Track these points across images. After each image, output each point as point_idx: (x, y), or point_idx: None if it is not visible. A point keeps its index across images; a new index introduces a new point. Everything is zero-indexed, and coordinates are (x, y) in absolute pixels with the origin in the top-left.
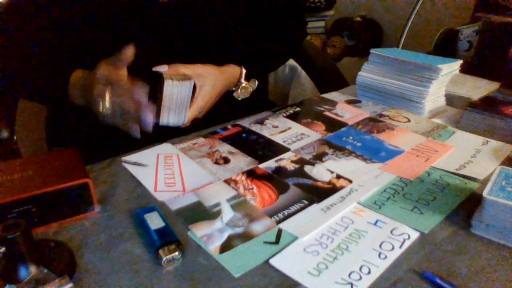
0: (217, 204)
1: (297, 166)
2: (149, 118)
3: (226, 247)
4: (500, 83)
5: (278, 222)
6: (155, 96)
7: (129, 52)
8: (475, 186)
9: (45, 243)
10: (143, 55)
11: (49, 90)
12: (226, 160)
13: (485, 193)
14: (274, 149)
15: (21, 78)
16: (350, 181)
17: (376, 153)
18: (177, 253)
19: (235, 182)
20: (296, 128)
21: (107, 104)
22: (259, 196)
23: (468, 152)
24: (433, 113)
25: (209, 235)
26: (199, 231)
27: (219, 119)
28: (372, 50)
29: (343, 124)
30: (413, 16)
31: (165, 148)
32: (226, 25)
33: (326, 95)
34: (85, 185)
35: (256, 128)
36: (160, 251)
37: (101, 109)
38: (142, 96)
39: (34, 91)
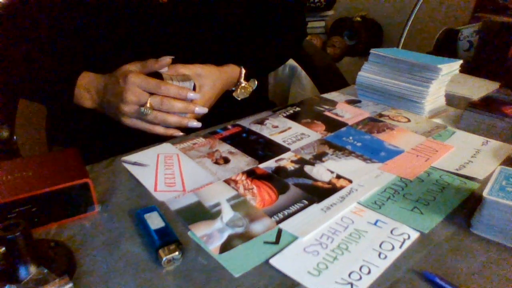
0: (217, 204)
1: (297, 166)
2: (202, 110)
3: (226, 247)
4: (500, 83)
5: (278, 222)
6: None
7: (168, 62)
8: (475, 186)
9: (45, 243)
10: (143, 56)
11: (54, 92)
12: (226, 160)
13: (485, 193)
14: (274, 149)
15: (24, 79)
16: (350, 181)
17: (376, 153)
18: (177, 253)
19: (235, 182)
20: (296, 128)
21: (149, 108)
22: (259, 196)
23: (468, 152)
24: (433, 113)
25: (209, 235)
26: (199, 231)
27: (219, 119)
28: (372, 50)
29: (343, 124)
30: (413, 16)
31: (165, 148)
32: (226, 25)
33: (326, 95)
34: (85, 185)
35: (256, 128)
36: (160, 251)
37: (142, 112)
38: (196, 98)
39: (38, 93)
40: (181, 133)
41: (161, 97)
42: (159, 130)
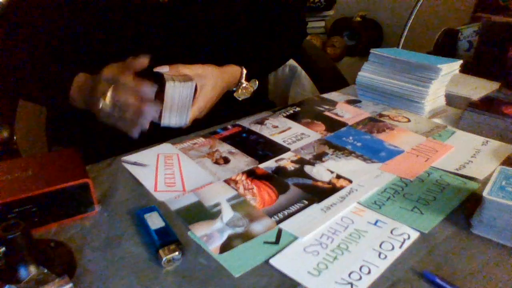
0: (217, 204)
1: (297, 166)
2: (152, 112)
3: (226, 247)
4: (500, 83)
5: (278, 222)
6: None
7: (144, 62)
8: (475, 186)
9: (45, 243)
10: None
11: (50, 93)
12: (226, 160)
13: (485, 193)
14: (274, 149)
15: (22, 79)
16: (350, 181)
17: (376, 153)
18: (177, 253)
19: (235, 182)
20: (296, 128)
21: (108, 100)
22: (259, 196)
23: (468, 152)
24: (433, 113)
25: (209, 235)
26: (199, 231)
27: (219, 119)
28: (372, 50)
29: (343, 124)
30: (413, 16)
31: (165, 148)
32: (226, 25)
33: (326, 95)
34: (85, 185)
35: (256, 128)
36: (160, 251)
37: (100, 106)
38: (149, 92)
39: (35, 93)
40: (136, 135)
41: (119, 90)
42: (117, 122)
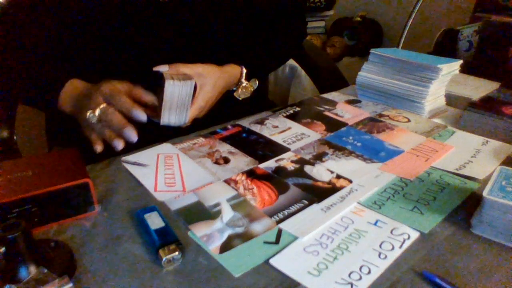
0: (217, 204)
1: (297, 166)
2: (132, 137)
3: (226, 247)
4: (500, 83)
5: (278, 222)
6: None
7: (140, 94)
8: (475, 186)
9: (45, 243)
10: (144, 55)
11: (40, 94)
12: (226, 160)
13: (485, 193)
14: (274, 149)
15: (17, 80)
16: (350, 181)
17: (376, 153)
18: (177, 253)
19: (235, 182)
20: (296, 128)
21: (96, 114)
22: (259, 196)
23: (468, 152)
24: (433, 113)
25: (209, 235)
26: (199, 231)
27: (219, 119)
28: (372, 50)
29: (343, 124)
30: (413, 16)
31: (165, 148)
32: (226, 24)
33: (326, 95)
34: (85, 185)
35: (256, 128)
36: (160, 251)
37: (87, 116)
38: (140, 117)
39: (26, 95)
40: (119, 147)
41: (108, 107)
42: (103, 133)
